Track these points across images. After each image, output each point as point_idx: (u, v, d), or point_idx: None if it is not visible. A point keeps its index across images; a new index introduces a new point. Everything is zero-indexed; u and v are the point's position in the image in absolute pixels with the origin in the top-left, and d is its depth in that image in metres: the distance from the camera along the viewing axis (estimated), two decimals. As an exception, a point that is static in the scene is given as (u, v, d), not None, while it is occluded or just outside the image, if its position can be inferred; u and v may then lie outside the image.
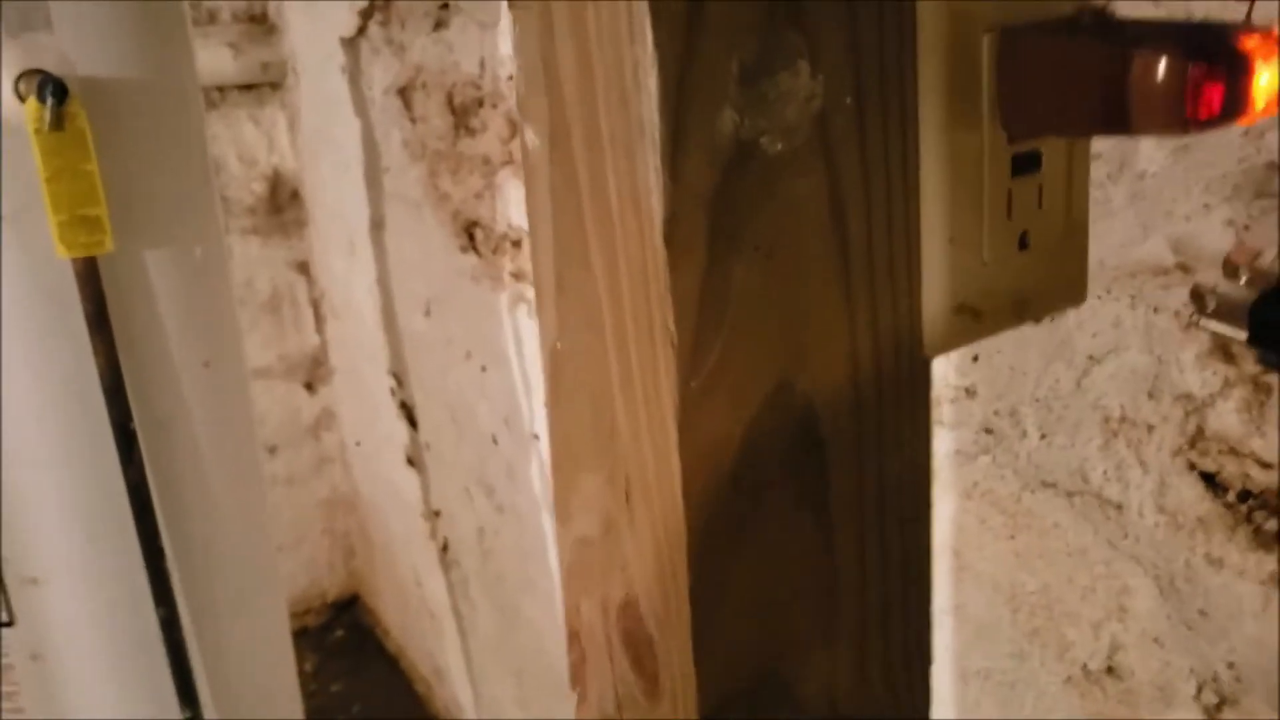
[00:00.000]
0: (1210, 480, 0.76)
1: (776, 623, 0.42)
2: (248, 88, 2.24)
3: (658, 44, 0.35)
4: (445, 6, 1.49)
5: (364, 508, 2.31)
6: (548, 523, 1.49)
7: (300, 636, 2.31)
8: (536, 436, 1.48)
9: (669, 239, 0.37)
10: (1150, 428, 0.79)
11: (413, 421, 1.85)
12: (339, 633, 2.38)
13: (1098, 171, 0.77)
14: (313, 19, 1.94)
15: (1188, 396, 0.77)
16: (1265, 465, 0.73)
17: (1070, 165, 0.43)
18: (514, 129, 1.37)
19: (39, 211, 1.05)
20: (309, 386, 2.34)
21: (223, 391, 1.31)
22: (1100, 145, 0.77)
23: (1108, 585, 0.85)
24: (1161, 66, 0.34)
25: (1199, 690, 0.81)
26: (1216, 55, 0.34)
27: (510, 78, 1.35)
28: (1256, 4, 0.43)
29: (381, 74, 1.69)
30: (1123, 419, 0.81)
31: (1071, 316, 0.83)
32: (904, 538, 0.44)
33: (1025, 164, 0.42)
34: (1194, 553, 0.78)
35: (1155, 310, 0.78)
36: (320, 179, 2.10)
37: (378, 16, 1.68)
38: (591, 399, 0.43)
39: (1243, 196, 0.73)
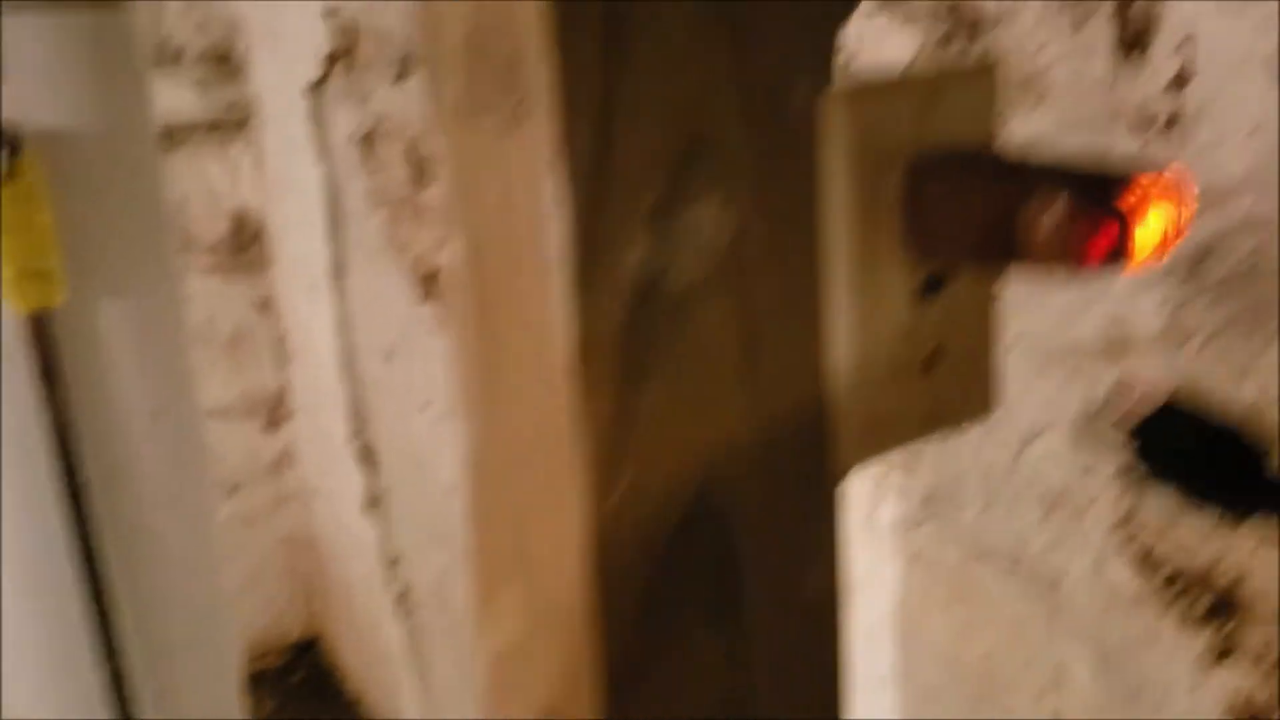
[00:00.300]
0: (1143, 559, 0.77)
1: (689, 741, 0.42)
2: (213, 127, 2.25)
3: (566, 183, 0.36)
4: (408, 57, 1.50)
5: (324, 549, 2.30)
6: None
7: (260, 678, 2.30)
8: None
9: (576, 373, 0.38)
10: (1086, 505, 0.80)
11: (371, 467, 1.84)
12: (299, 674, 2.36)
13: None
14: (278, 62, 1.94)
15: (1125, 473, 0.78)
16: (1194, 547, 0.74)
17: (980, 283, 0.44)
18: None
19: (-12, 264, 1.05)
20: (269, 426, 2.33)
21: (174, 440, 1.30)
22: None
23: (1047, 656, 0.86)
24: (1053, 214, 0.35)
25: (1134, 765, 0.82)
26: (1105, 204, 0.35)
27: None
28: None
29: (344, 121, 1.70)
30: (1060, 494, 0.82)
31: (1011, 389, 0.84)
32: (820, 652, 0.45)
33: (934, 285, 0.43)
34: (1129, 629, 0.79)
35: (1092, 387, 0.79)
36: (284, 220, 2.10)
37: (341, 64, 1.68)
38: (509, 515, 0.43)
39: (1175, 277, 0.75)
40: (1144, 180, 0.35)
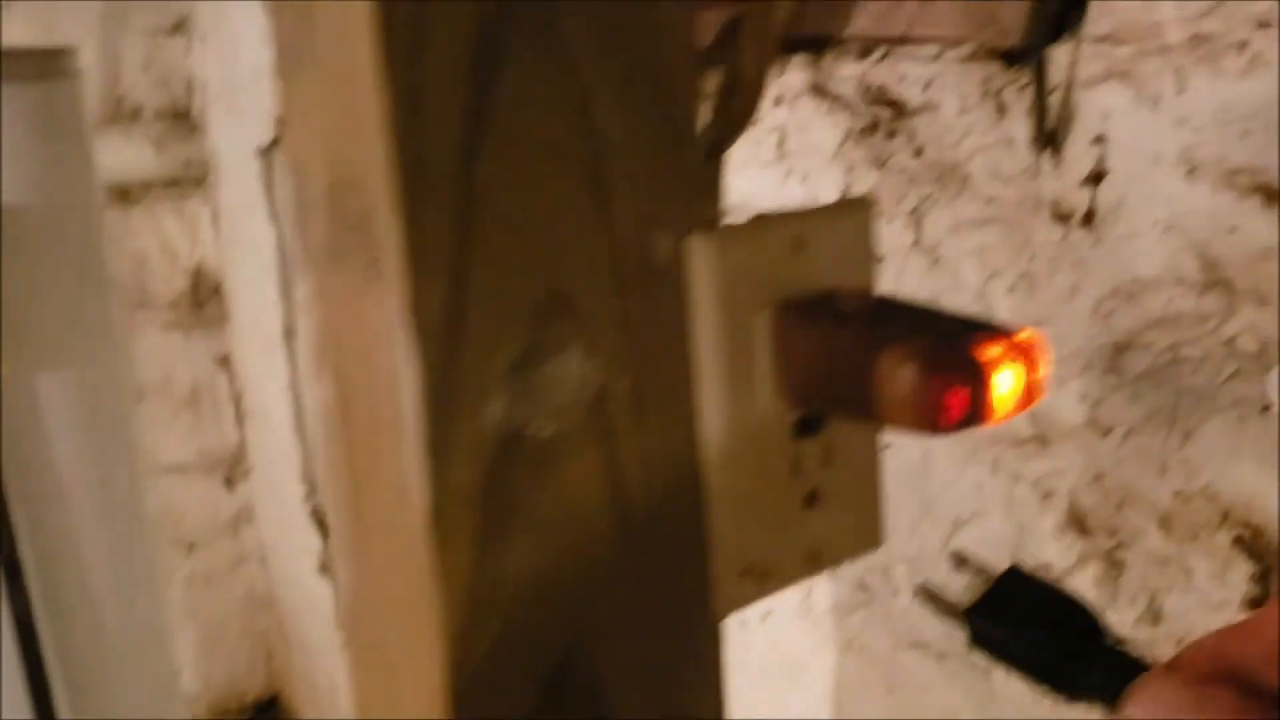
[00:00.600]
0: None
1: None
2: (171, 183, 2.24)
3: (413, 348, 0.36)
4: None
5: (282, 608, 2.28)
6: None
7: (218, 738, 2.26)
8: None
9: (432, 532, 0.37)
10: (1011, 596, 0.80)
11: (325, 530, 1.83)
12: (258, 734, 2.33)
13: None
14: (234, 122, 1.94)
15: (1047, 567, 0.78)
16: (1119, 641, 0.74)
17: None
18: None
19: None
20: (228, 483, 2.31)
21: (118, 510, 1.29)
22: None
23: (980, 746, 0.85)
24: (905, 376, 0.35)
25: None
26: (958, 366, 0.34)
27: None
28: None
29: (295, 184, 1.69)
30: (987, 585, 0.82)
31: (938, 479, 0.84)
32: (702, 795, 0.44)
33: (810, 425, 0.42)
34: (1057, 722, 0.79)
35: (1015, 479, 0.79)
36: (240, 277, 2.09)
37: (292, 126, 1.68)
38: (379, 664, 0.42)
39: (1094, 372, 0.75)
40: (995, 343, 0.35)
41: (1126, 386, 0.73)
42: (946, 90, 0.78)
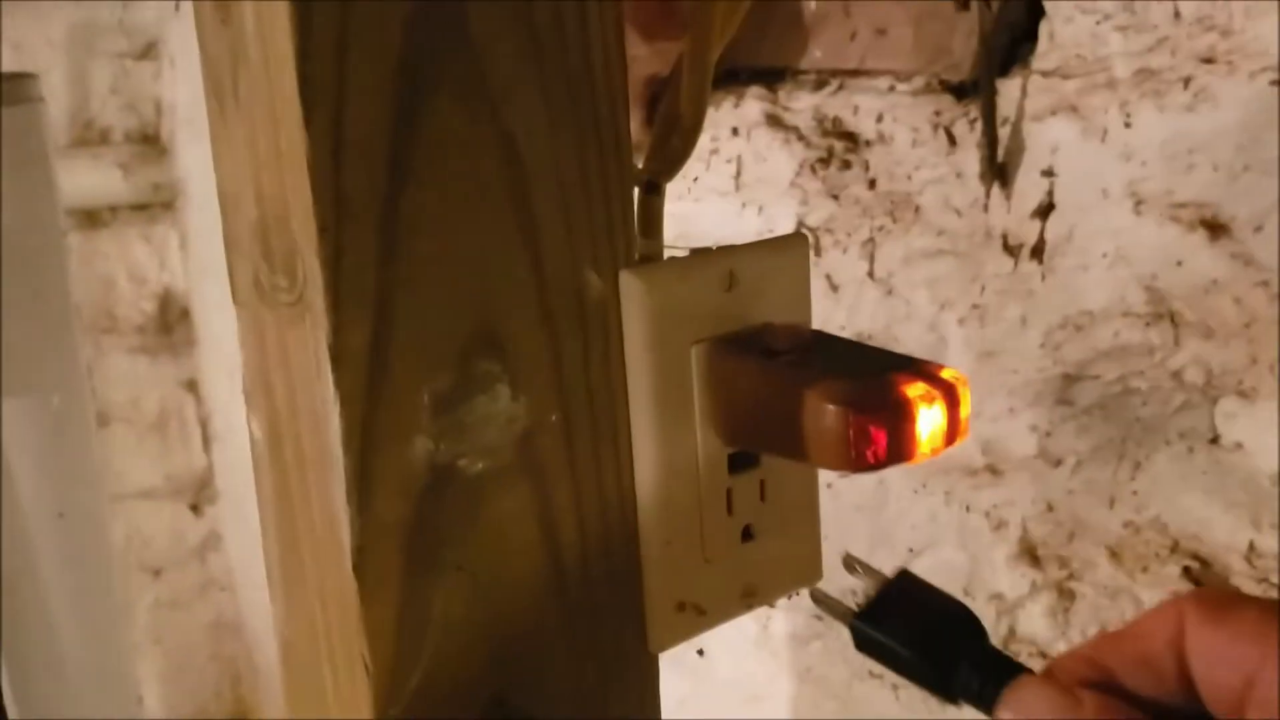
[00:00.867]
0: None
1: None
2: (139, 207, 2.23)
3: (338, 384, 0.36)
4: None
5: (250, 635, 2.26)
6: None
7: (183, 767, 2.24)
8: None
9: (359, 570, 0.37)
10: (965, 627, 0.80)
11: (290, 557, 1.81)
12: (223, 762, 2.31)
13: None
14: (203, 146, 1.93)
15: (999, 597, 0.78)
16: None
17: (796, 457, 0.44)
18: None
19: None
20: (195, 508, 2.29)
21: (79, 543, 1.28)
22: (910, 346, 0.79)
23: (935, 776, 0.85)
24: (828, 415, 0.35)
25: None
26: (879, 406, 0.35)
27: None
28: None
29: (261, 209, 1.69)
30: (941, 615, 0.82)
31: (893, 506, 0.84)
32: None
33: (744, 461, 0.42)
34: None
35: (967, 509, 0.79)
36: (208, 302, 2.09)
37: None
38: (312, 696, 0.42)
39: (1044, 403, 0.75)
40: (919, 381, 0.35)
41: (1077, 418, 0.74)
42: (899, 123, 0.78)
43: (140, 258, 2.25)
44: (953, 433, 0.35)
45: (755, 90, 0.85)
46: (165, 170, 2.17)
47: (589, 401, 0.40)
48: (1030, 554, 0.76)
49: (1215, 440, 0.69)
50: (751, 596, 0.44)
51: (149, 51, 2.16)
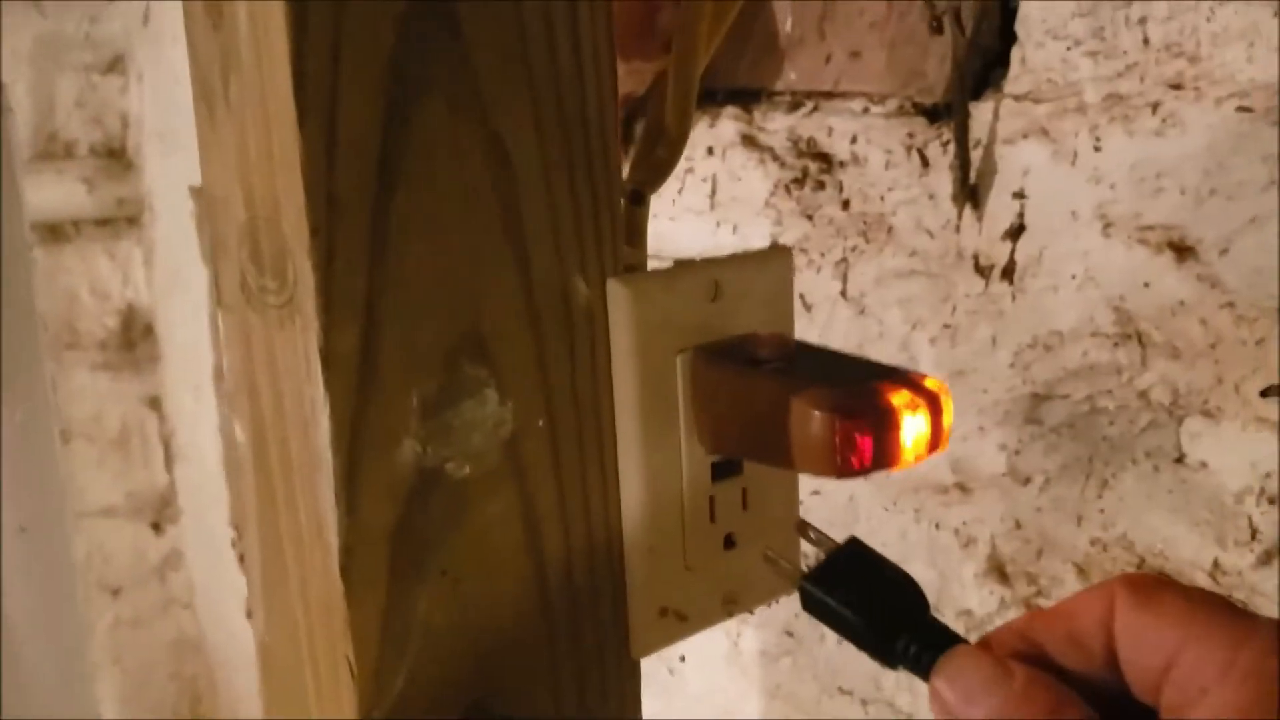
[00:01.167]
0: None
1: None
2: (103, 222, 2.21)
3: (328, 385, 0.36)
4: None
5: (211, 653, 2.23)
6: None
7: (140, 789, 2.21)
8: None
9: (345, 572, 0.37)
10: (934, 643, 0.80)
11: (253, 575, 1.80)
12: (181, 784, 2.28)
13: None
14: (169, 161, 1.92)
15: (968, 613, 0.79)
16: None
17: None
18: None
19: None
20: (156, 526, 2.27)
21: (41, 557, 1.26)
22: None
23: (904, 793, 0.85)
24: (814, 422, 0.35)
25: None
26: (865, 412, 0.35)
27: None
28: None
29: (230, 224, 1.68)
30: (910, 631, 0.82)
31: (863, 523, 0.85)
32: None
33: (727, 469, 0.43)
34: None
35: (937, 526, 0.80)
36: (172, 318, 2.07)
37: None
38: (293, 701, 0.42)
39: (1013, 422, 0.76)
40: (903, 389, 0.35)
41: (1045, 436, 0.75)
42: (873, 144, 0.79)
43: (104, 273, 2.23)
44: (935, 440, 0.36)
45: (731, 110, 0.86)
46: (130, 185, 2.16)
47: (575, 407, 0.40)
48: (999, 571, 0.77)
49: (1181, 459, 0.70)
50: (733, 604, 0.45)
51: (115, 65, 2.14)
